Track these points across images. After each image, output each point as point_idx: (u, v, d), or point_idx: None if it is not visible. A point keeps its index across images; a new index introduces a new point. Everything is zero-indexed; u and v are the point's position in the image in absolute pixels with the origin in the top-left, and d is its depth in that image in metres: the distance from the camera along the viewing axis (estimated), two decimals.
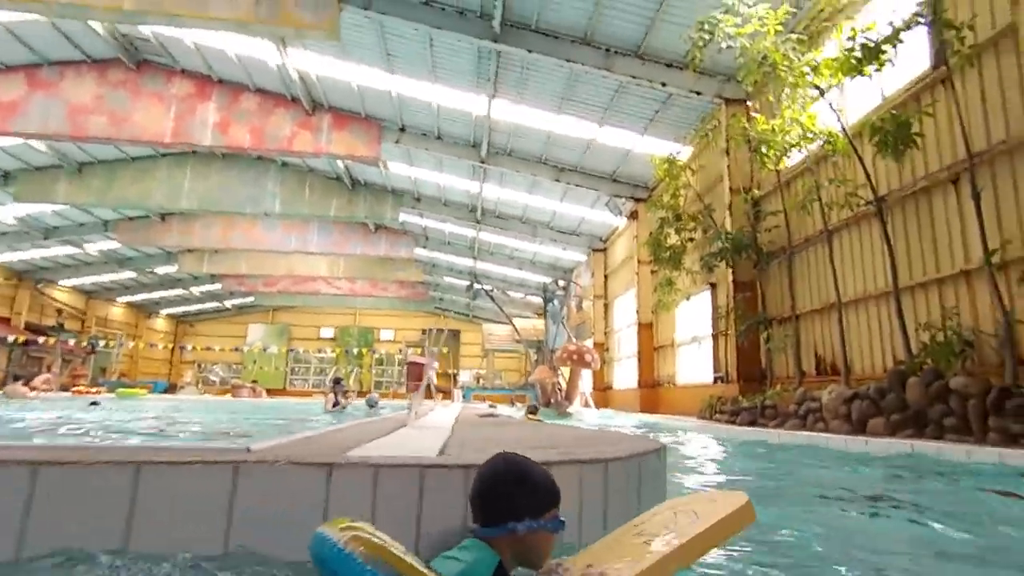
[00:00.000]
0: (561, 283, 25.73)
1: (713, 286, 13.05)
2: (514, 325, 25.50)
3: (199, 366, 39.54)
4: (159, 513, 1.58)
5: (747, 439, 7.80)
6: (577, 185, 16.96)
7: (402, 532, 1.57)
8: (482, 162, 16.58)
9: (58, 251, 25.74)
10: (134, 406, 13.98)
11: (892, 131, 6.66)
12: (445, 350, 32.13)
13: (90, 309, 32.25)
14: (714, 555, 1.85)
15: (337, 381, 13.52)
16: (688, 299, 13.88)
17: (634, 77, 11.46)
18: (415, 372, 30.94)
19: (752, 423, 9.05)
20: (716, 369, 12.64)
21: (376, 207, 21.05)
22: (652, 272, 15.24)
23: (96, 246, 25.83)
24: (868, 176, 7.55)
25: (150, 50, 15.72)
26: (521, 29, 11.27)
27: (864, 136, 7.28)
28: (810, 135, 8.28)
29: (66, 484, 1.57)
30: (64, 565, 1.44)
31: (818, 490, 3.66)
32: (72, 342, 28.47)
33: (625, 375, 18.95)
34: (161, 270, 29.77)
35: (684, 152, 13.56)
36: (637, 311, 17.06)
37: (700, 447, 6.91)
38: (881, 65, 6.69)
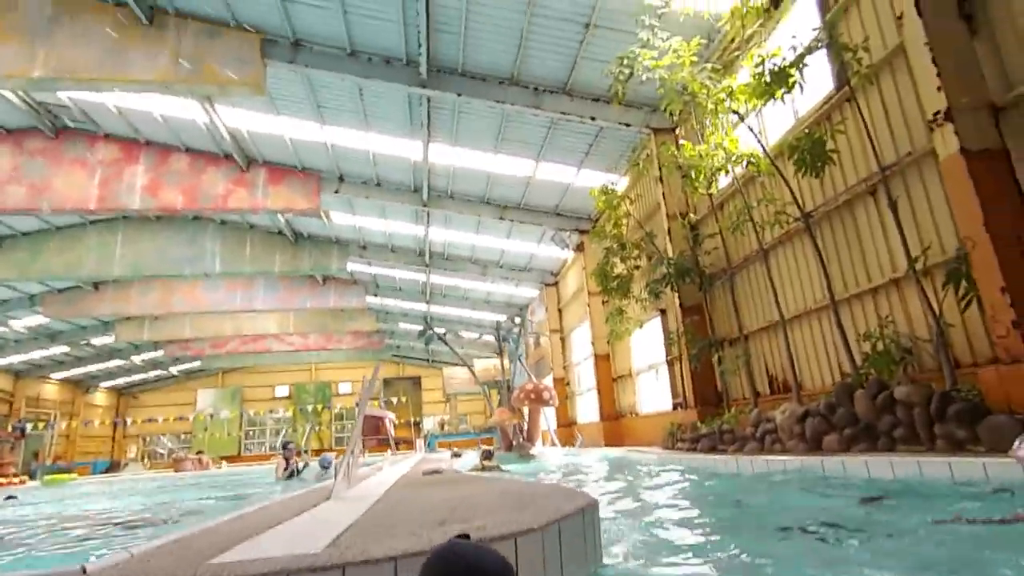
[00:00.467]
0: (517, 320, 25.54)
1: (663, 312, 13.07)
2: (471, 368, 25.03)
3: (144, 439, 37.24)
4: None
5: (704, 467, 7.62)
6: (521, 222, 17.00)
7: None
8: (425, 206, 16.47)
9: None
10: (58, 494, 12.81)
11: (808, 149, 6.85)
12: (404, 399, 31.19)
13: (19, 390, 30.10)
14: None
15: (285, 445, 12.76)
16: (641, 327, 13.85)
17: (564, 113, 11.63)
18: (371, 426, 29.94)
19: (712, 449, 8.90)
20: (674, 395, 12.54)
21: (321, 259, 20.58)
22: (603, 303, 15.22)
23: (23, 322, 24.27)
24: (793, 194, 7.72)
25: (70, 115, 15.13)
26: (448, 74, 11.33)
27: (784, 155, 7.47)
28: (735, 158, 8.49)
29: None
30: None
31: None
32: None
33: (588, 409, 18.68)
34: (98, 341, 28.06)
35: (621, 183, 13.77)
36: (592, 343, 16.95)
37: (647, 487, 6.66)
38: (790, 88, 6.91)
